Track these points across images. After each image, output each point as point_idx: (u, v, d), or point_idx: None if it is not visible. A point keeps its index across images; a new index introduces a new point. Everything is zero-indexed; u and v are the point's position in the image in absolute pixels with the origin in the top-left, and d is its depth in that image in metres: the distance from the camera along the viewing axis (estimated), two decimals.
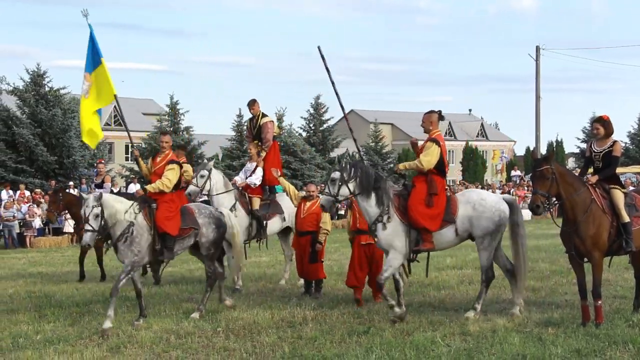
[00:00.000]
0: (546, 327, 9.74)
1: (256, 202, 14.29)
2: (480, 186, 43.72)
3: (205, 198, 14.74)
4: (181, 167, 11.51)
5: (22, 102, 37.44)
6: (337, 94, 12.76)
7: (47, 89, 37.56)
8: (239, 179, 14.80)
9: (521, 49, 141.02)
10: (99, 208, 10.36)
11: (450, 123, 78.52)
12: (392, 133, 73.74)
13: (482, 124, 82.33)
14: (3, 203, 29.08)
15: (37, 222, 27.92)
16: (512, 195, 39.39)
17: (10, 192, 30.64)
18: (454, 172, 67.07)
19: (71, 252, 23.01)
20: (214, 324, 10.53)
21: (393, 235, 10.40)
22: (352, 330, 9.91)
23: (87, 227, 10.30)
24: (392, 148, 57.79)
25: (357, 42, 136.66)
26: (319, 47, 12.86)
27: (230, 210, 13.90)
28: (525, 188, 38.49)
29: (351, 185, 10.47)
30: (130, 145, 11.80)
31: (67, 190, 21.41)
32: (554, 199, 9.83)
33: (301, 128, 48.74)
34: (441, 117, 11.00)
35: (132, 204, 10.77)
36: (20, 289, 14.66)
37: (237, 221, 13.96)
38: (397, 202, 10.52)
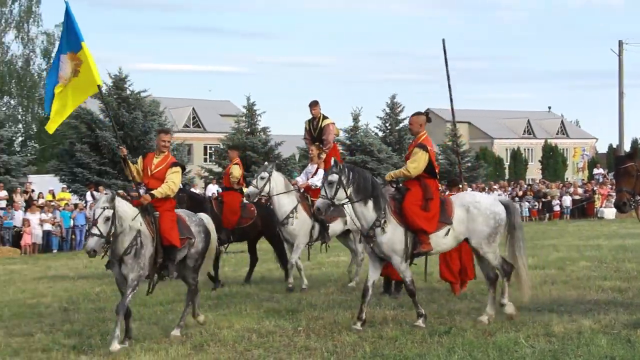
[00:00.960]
0: (635, 329, 9.47)
1: None
2: (561, 185, 42.92)
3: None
4: (184, 169, 10.70)
5: (105, 105, 38.35)
6: (449, 87, 12.71)
7: (128, 92, 38.41)
8: (301, 180, 14.88)
9: (603, 43, 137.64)
10: (111, 211, 9.18)
11: (528, 121, 77.36)
12: (469, 132, 72.96)
13: (562, 122, 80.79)
14: (88, 204, 29.88)
15: None
16: (596, 193, 38.69)
17: (95, 193, 31.44)
18: (533, 171, 66.03)
19: None
20: (295, 323, 10.59)
21: (393, 238, 10.19)
22: (433, 330, 9.84)
23: (94, 230, 9.06)
24: (469, 147, 57.14)
25: (433, 40, 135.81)
26: (443, 40, 12.90)
27: (292, 212, 13.96)
28: (609, 186, 37.61)
29: (348, 190, 10.16)
30: (121, 145, 10.57)
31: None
32: (639, 196, 9.60)
33: (377, 128, 48.66)
34: (429, 119, 10.80)
35: (138, 210, 9.65)
36: (106, 288, 15.00)
37: (299, 223, 14.02)
38: (392, 205, 10.31)
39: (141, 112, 37.58)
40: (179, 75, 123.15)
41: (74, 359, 9.05)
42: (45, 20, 76.79)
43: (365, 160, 43.08)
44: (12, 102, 53.23)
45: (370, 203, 10.21)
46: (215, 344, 9.50)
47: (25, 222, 27.59)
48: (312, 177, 14.58)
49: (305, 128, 15.20)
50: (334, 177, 10.16)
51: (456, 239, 10.54)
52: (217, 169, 41.89)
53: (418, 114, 10.79)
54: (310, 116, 15.06)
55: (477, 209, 10.45)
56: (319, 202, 10.27)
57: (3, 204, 29.80)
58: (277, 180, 14.07)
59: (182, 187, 14.12)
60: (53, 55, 52.50)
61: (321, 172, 14.45)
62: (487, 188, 40.14)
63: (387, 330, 9.91)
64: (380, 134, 48.31)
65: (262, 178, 13.96)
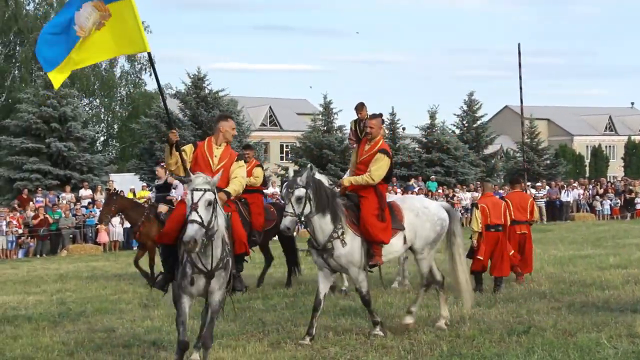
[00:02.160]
0: None
1: None
2: None
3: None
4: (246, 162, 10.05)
5: (184, 104, 39.08)
6: (520, 88, 12.68)
7: (206, 91, 38.99)
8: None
9: None
10: (213, 195, 7.65)
11: (610, 117, 75.56)
12: (548, 129, 71.63)
13: None
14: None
15: None
16: None
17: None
18: (615, 168, 64.45)
19: None
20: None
21: (352, 249, 9.63)
22: (511, 329, 9.69)
23: (194, 216, 7.43)
24: (548, 144, 56.09)
25: (511, 36, 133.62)
26: (518, 45, 12.99)
27: None
28: None
29: (311, 203, 9.44)
30: (169, 126, 9.35)
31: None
32: None
33: (454, 125, 48.25)
34: (383, 121, 10.47)
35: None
36: None
37: None
38: (348, 215, 9.67)
39: (219, 111, 38.09)
40: (256, 74, 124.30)
41: (153, 355, 9.19)
42: None
43: (442, 158, 42.77)
44: (95, 102, 54.61)
45: (328, 214, 9.51)
46: (292, 342, 9.53)
47: None
48: None
49: (351, 128, 14.65)
50: (302, 192, 9.34)
51: (406, 245, 10.05)
52: (293, 167, 42.15)
53: (375, 116, 10.30)
54: (356, 117, 14.61)
55: (425, 215, 10.09)
56: (287, 221, 9.28)
57: (86, 202, 30.58)
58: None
59: None
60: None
61: None
62: (566, 186, 39.38)
63: (464, 329, 9.80)
64: (457, 131, 47.88)
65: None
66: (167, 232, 8.31)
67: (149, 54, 9.25)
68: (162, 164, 18.11)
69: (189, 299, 7.96)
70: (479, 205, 13.52)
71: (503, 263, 13.23)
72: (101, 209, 19.78)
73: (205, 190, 7.56)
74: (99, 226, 28.17)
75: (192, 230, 7.38)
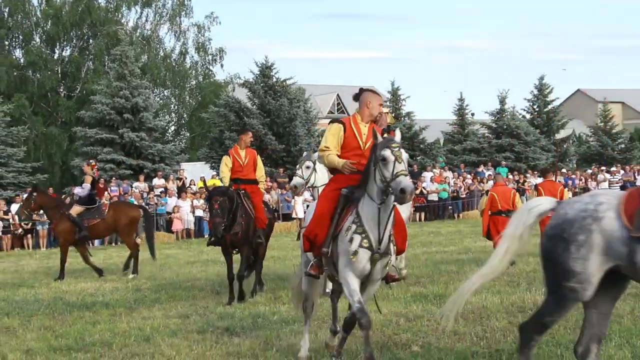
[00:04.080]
0: None
1: None
2: None
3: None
4: None
5: (252, 93, 39.37)
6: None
7: (274, 80, 39.18)
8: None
9: None
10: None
11: None
12: (622, 112, 69.93)
13: None
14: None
15: None
16: None
17: None
18: None
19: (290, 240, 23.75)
20: (443, 307, 10.50)
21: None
22: None
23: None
24: (622, 128, 54.80)
25: (587, 19, 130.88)
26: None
27: None
28: None
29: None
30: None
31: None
32: None
33: (524, 110, 47.50)
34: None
35: None
36: None
37: None
38: None
39: (287, 99, 38.28)
40: (323, 62, 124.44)
41: (227, 341, 9.28)
42: (196, 12, 79.48)
43: (512, 143, 42.19)
44: (165, 92, 55.30)
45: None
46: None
47: (175, 208, 28.77)
48: None
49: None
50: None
51: None
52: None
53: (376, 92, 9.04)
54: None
55: None
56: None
57: (159, 191, 31.11)
58: (322, 169, 12.30)
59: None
60: (207, 46, 53.59)
61: None
62: None
63: None
64: (528, 116, 47.14)
65: (307, 167, 12.53)
66: None
67: None
68: (89, 161, 18.04)
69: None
70: (489, 192, 15.85)
71: None
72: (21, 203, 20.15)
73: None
74: (171, 215, 28.67)
75: None
